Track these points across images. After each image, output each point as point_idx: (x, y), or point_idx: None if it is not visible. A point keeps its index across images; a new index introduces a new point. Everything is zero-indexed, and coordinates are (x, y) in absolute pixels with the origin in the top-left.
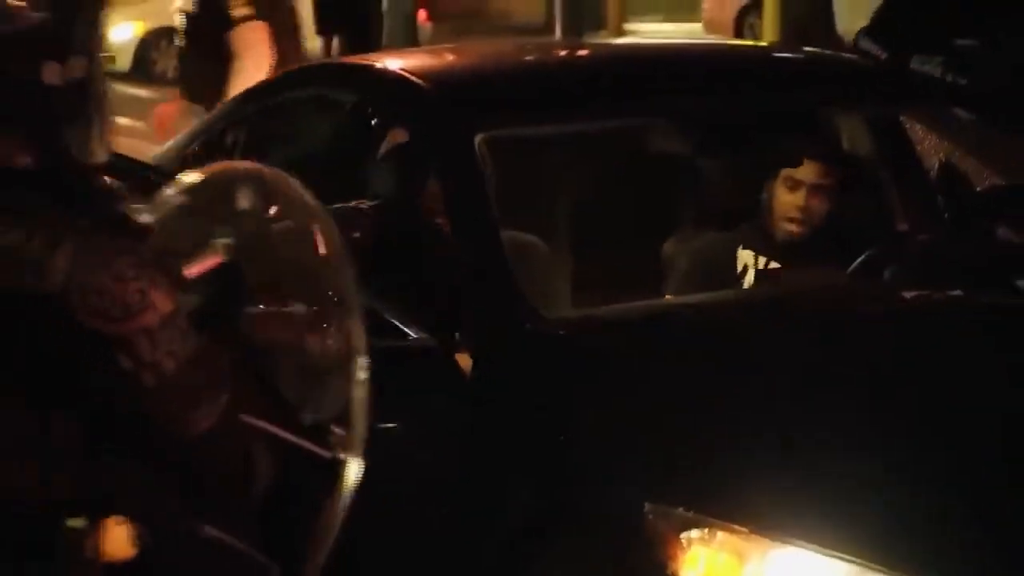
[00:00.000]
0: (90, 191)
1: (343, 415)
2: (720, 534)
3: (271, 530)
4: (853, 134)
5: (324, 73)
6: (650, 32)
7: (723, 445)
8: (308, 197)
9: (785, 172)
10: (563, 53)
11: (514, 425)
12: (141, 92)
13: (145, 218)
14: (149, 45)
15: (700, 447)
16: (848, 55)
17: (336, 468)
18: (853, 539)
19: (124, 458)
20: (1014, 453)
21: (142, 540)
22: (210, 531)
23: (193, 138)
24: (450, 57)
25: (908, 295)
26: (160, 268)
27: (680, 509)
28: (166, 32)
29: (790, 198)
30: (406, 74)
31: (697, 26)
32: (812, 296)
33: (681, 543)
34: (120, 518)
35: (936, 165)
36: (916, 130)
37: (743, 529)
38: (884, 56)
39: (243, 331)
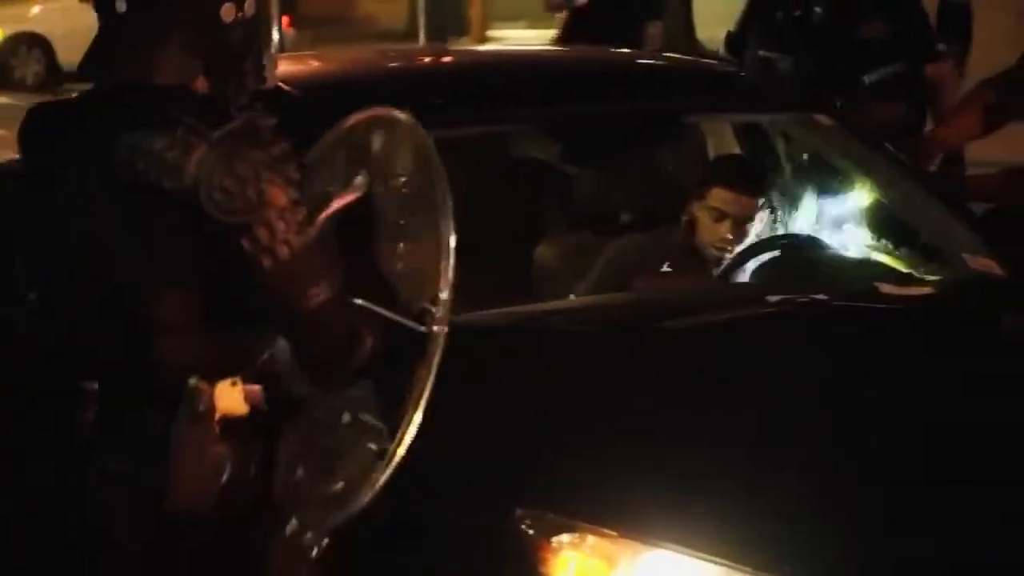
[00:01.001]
0: (230, 108)
1: (435, 297)
2: (590, 538)
3: (375, 395)
4: (718, 139)
5: None
6: (513, 39)
7: (592, 449)
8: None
9: (711, 202)
10: (430, 60)
11: None
12: (1, 100)
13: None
14: (7, 52)
15: (569, 451)
16: (713, 62)
17: (429, 340)
18: (722, 541)
19: (246, 328)
20: (888, 453)
21: (254, 400)
22: (322, 393)
23: None
24: (316, 63)
25: (774, 298)
26: (276, 170)
27: (550, 513)
28: (26, 38)
29: (716, 228)
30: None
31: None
32: (690, 300)
33: (552, 547)
34: (234, 379)
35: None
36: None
37: (613, 532)
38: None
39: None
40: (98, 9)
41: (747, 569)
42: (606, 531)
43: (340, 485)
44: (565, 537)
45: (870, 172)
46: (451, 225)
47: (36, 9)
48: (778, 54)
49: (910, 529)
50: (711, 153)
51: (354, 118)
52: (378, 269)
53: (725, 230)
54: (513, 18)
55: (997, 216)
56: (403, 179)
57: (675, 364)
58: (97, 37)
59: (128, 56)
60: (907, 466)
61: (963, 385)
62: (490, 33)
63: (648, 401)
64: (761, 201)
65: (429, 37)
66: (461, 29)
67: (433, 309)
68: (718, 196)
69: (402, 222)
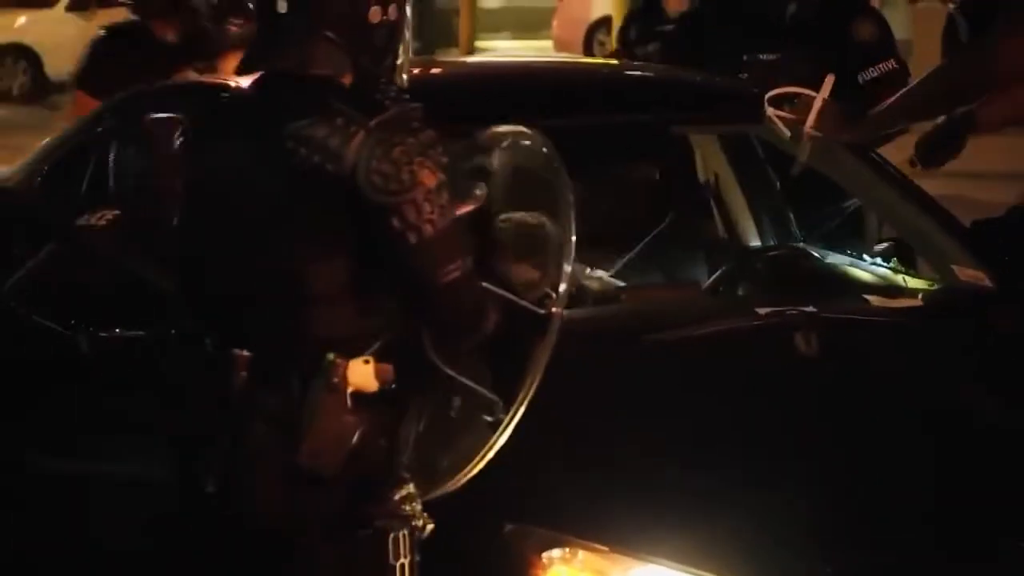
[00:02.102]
0: (382, 99)
1: (556, 282)
2: (581, 553)
3: (496, 370)
4: (705, 152)
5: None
6: (501, 49)
7: (583, 464)
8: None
9: None
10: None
11: None
12: None
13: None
14: None
15: (559, 466)
16: (698, 74)
17: (549, 321)
18: (713, 556)
19: (383, 300)
20: (879, 467)
21: (384, 376)
22: (447, 370)
23: (46, 156)
24: None
25: (762, 311)
26: (427, 155)
27: (540, 528)
28: (12, 49)
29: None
30: None
31: (547, 43)
32: (670, 312)
33: (542, 562)
34: (367, 356)
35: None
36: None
37: (604, 548)
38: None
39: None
40: (259, 9)
41: None
42: (597, 546)
43: (451, 459)
44: (556, 552)
45: (858, 182)
46: (573, 224)
47: (22, 20)
48: (769, 55)
49: (902, 543)
50: (699, 166)
51: (487, 132)
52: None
53: None
54: (501, 29)
55: (984, 226)
56: (522, 191)
57: (666, 378)
58: (258, 34)
59: (288, 50)
60: (898, 480)
61: (952, 397)
62: (478, 43)
63: (639, 416)
64: None
65: (416, 49)
66: (449, 40)
67: (553, 295)
68: None
69: (523, 224)
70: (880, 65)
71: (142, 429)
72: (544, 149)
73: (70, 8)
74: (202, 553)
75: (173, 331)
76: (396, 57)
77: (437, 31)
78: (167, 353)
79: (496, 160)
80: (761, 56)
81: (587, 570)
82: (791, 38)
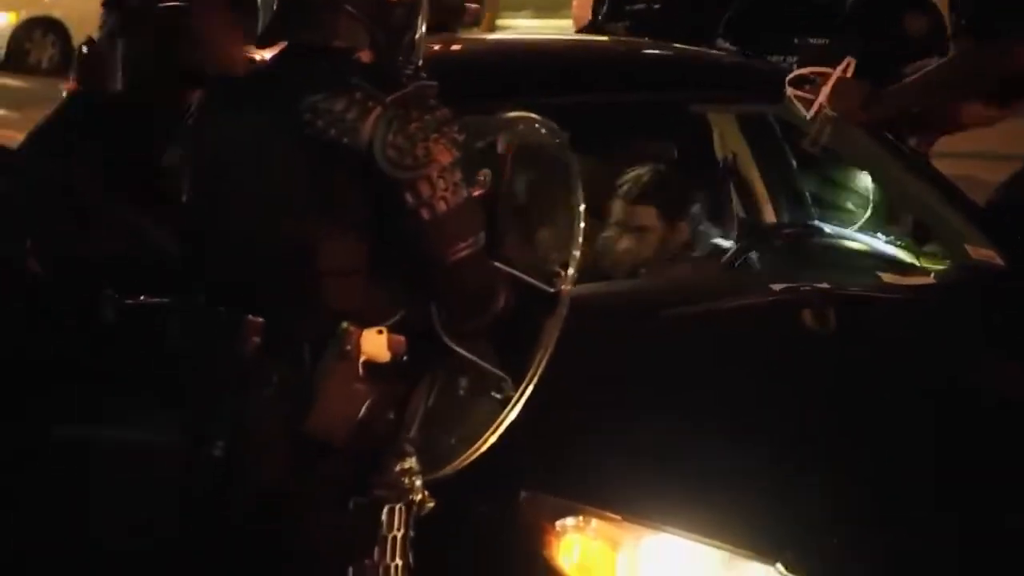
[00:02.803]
0: (400, 76)
1: (565, 263)
2: (594, 521)
3: (505, 348)
4: (724, 130)
5: None
6: (522, 28)
7: (596, 433)
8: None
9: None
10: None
11: None
12: (15, 83)
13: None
14: (23, 36)
15: (573, 436)
16: (720, 52)
17: (558, 299)
18: (724, 526)
19: (395, 276)
20: (889, 442)
21: (396, 348)
22: (456, 346)
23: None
24: None
25: (777, 287)
26: (442, 132)
27: (554, 497)
28: (41, 22)
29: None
30: None
31: (567, 22)
32: (686, 287)
33: (556, 530)
34: (381, 327)
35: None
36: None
37: (616, 516)
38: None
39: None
40: None
41: (748, 553)
42: (610, 515)
43: (459, 437)
44: (569, 520)
45: (873, 162)
46: (581, 206)
47: None
48: (820, 39)
49: (910, 518)
50: (717, 145)
51: (493, 117)
52: (506, 242)
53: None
54: (521, 8)
55: (998, 208)
56: (530, 173)
57: (679, 350)
58: (280, 6)
59: (310, 23)
60: (908, 455)
61: (964, 374)
62: (499, 22)
63: (652, 387)
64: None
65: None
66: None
67: (563, 273)
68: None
69: (531, 205)
70: (926, 61)
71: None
72: (549, 130)
73: None
74: (204, 517)
75: (185, 298)
76: (415, 34)
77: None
78: (179, 318)
79: (502, 144)
80: (812, 40)
81: (600, 538)
82: (844, 24)
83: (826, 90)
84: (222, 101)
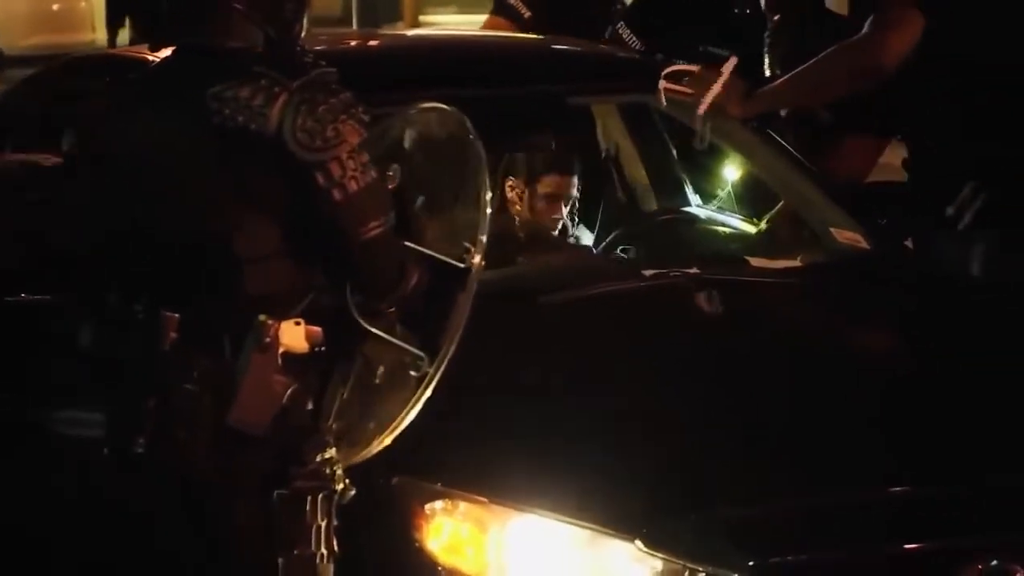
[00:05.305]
0: (301, 64)
1: (474, 237)
2: (463, 504)
3: (418, 326)
4: (606, 120)
5: (92, 64)
6: (445, 24)
7: (468, 419)
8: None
9: (542, 188)
10: (355, 43)
11: None
12: None
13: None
14: None
15: (444, 422)
16: (605, 47)
17: (469, 274)
18: (586, 507)
19: (313, 263)
20: (753, 422)
21: (313, 339)
22: (371, 326)
23: None
24: None
25: (648, 272)
26: (350, 114)
27: (424, 482)
28: None
29: (549, 210)
30: None
31: None
32: (561, 273)
33: (425, 513)
34: (298, 318)
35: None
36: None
37: (483, 499)
38: (638, 45)
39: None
40: None
41: (609, 531)
42: (477, 498)
43: (378, 421)
44: (438, 504)
45: (741, 148)
46: (487, 184)
47: None
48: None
49: (770, 494)
50: (600, 136)
51: (397, 113)
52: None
53: (557, 210)
54: (444, 4)
55: (863, 190)
56: (436, 162)
57: (550, 335)
58: (169, 9)
59: (199, 24)
60: (771, 433)
61: (829, 351)
62: (423, 18)
63: (521, 372)
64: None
65: (362, 23)
66: (394, 15)
67: (472, 248)
68: (550, 182)
69: (438, 188)
70: None
71: (74, 393)
72: (455, 117)
73: None
74: (129, 513)
75: (93, 296)
76: (303, 28)
77: (383, 5)
78: (96, 318)
79: (408, 139)
80: (715, 51)
81: (468, 520)
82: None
83: (716, 88)
84: (126, 98)
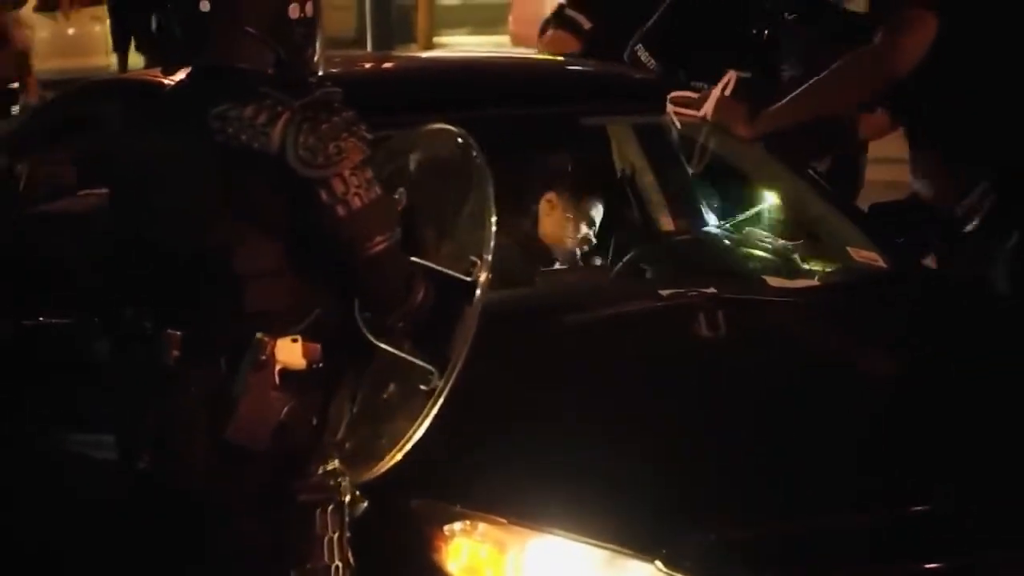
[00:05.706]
0: (306, 84)
1: (480, 251)
2: (482, 525)
3: (427, 342)
4: (621, 140)
5: (107, 88)
6: (459, 45)
7: (487, 441)
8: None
9: (563, 204)
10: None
11: None
12: None
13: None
14: None
15: (463, 443)
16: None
17: (476, 288)
18: (606, 527)
19: (316, 280)
20: (771, 443)
21: (311, 355)
22: (381, 342)
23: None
24: None
25: (665, 292)
26: (352, 132)
27: (443, 502)
28: None
29: (568, 226)
30: None
31: (505, 39)
32: (577, 294)
33: (444, 535)
34: (295, 335)
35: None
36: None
37: (503, 520)
38: (656, 66)
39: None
40: (182, 7)
41: (629, 552)
42: (496, 519)
43: (389, 437)
44: (457, 525)
45: (761, 171)
46: (492, 200)
47: None
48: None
49: (787, 514)
50: (615, 155)
51: (402, 135)
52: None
53: (577, 229)
54: (459, 25)
55: (880, 210)
56: (441, 181)
57: (567, 356)
58: (182, 32)
59: (212, 47)
60: (787, 455)
61: (847, 373)
62: (436, 39)
63: (539, 393)
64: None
65: (376, 44)
66: (408, 36)
67: (479, 262)
68: (586, 202)
69: (444, 207)
70: None
71: (84, 412)
72: (455, 133)
73: (38, 9)
74: (138, 528)
75: (111, 315)
76: (314, 52)
77: (397, 27)
78: (106, 337)
79: (413, 162)
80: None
81: (487, 541)
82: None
83: (708, 105)
84: (139, 118)
